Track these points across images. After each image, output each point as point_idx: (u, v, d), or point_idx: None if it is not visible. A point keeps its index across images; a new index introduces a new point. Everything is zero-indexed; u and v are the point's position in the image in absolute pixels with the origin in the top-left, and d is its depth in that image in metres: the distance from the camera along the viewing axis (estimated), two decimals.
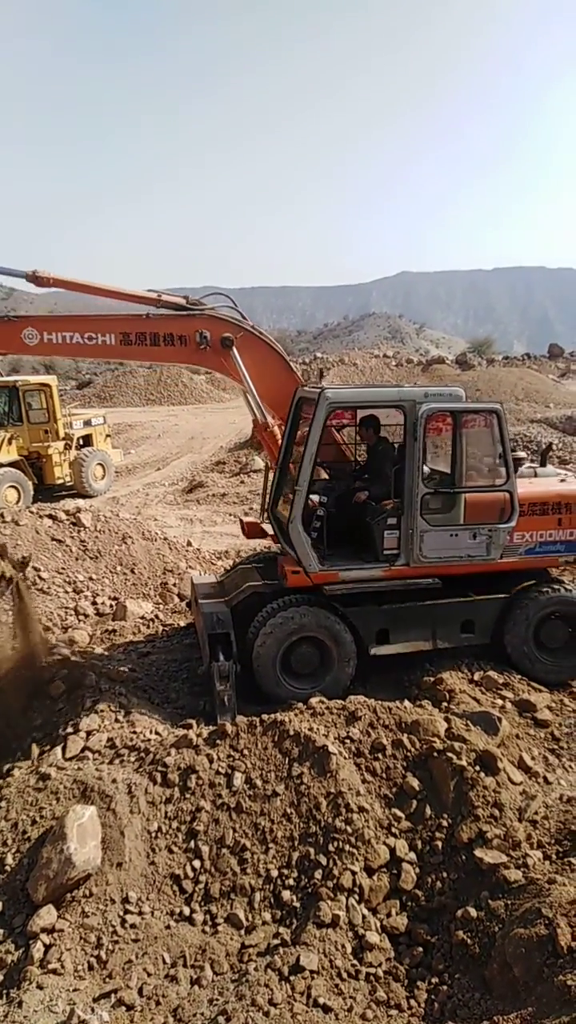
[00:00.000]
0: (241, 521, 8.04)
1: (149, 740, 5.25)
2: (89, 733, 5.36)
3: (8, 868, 4.40)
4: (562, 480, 7.15)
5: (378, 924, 4.17)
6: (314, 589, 6.13)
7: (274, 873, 4.40)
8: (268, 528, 7.14)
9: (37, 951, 3.96)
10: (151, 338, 6.13)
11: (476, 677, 6.41)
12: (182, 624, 8.32)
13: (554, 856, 4.40)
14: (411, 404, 6.00)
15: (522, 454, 8.00)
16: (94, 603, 9.02)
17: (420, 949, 4.09)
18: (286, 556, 6.37)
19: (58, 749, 5.20)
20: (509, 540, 6.41)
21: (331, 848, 4.42)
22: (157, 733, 5.40)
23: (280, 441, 6.69)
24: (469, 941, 3.98)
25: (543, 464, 7.45)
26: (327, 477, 7.28)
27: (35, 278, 6.02)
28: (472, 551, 6.28)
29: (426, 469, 6.28)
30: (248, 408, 6.75)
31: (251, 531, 7.56)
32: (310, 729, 5.07)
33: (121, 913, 4.20)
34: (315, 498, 6.10)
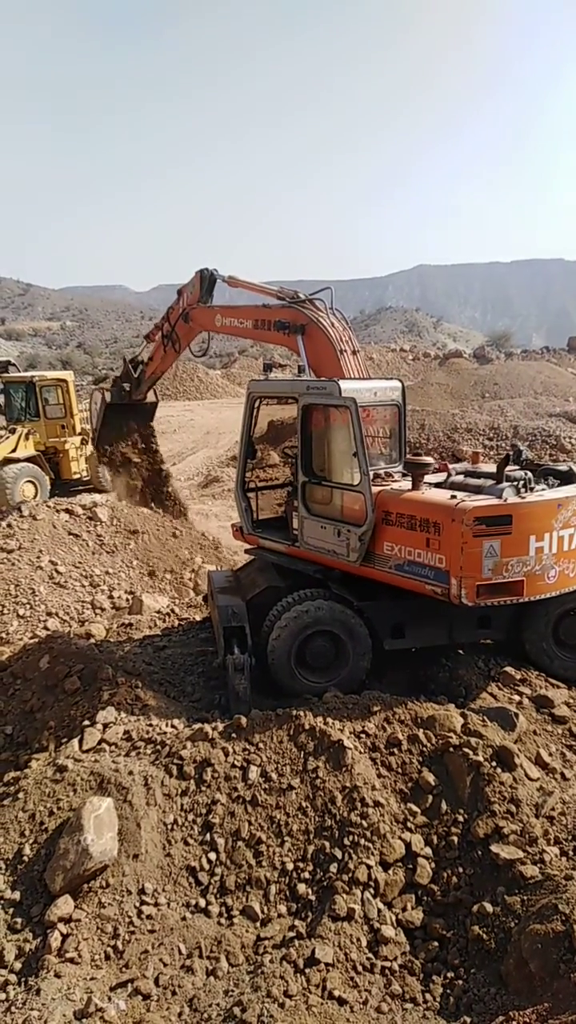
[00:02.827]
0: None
1: (165, 733, 5.28)
2: (106, 725, 5.40)
3: (26, 858, 4.45)
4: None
5: (393, 918, 4.16)
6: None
7: (289, 866, 4.42)
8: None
9: (55, 940, 4.01)
10: (265, 324, 7.37)
11: (493, 673, 6.37)
12: (198, 618, 8.35)
13: (571, 852, 4.38)
14: (298, 396, 6.33)
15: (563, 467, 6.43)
16: (110, 597, 9.08)
17: (436, 943, 4.09)
18: None
19: (75, 741, 5.24)
20: (377, 549, 5.86)
21: (346, 842, 4.42)
22: (173, 726, 5.43)
23: None
24: (485, 936, 3.98)
25: None
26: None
27: (230, 281, 8.24)
28: (336, 548, 6.07)
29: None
30: None
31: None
32: (325, 723, 5.07)
33: (137, 904, 4.23)
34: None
